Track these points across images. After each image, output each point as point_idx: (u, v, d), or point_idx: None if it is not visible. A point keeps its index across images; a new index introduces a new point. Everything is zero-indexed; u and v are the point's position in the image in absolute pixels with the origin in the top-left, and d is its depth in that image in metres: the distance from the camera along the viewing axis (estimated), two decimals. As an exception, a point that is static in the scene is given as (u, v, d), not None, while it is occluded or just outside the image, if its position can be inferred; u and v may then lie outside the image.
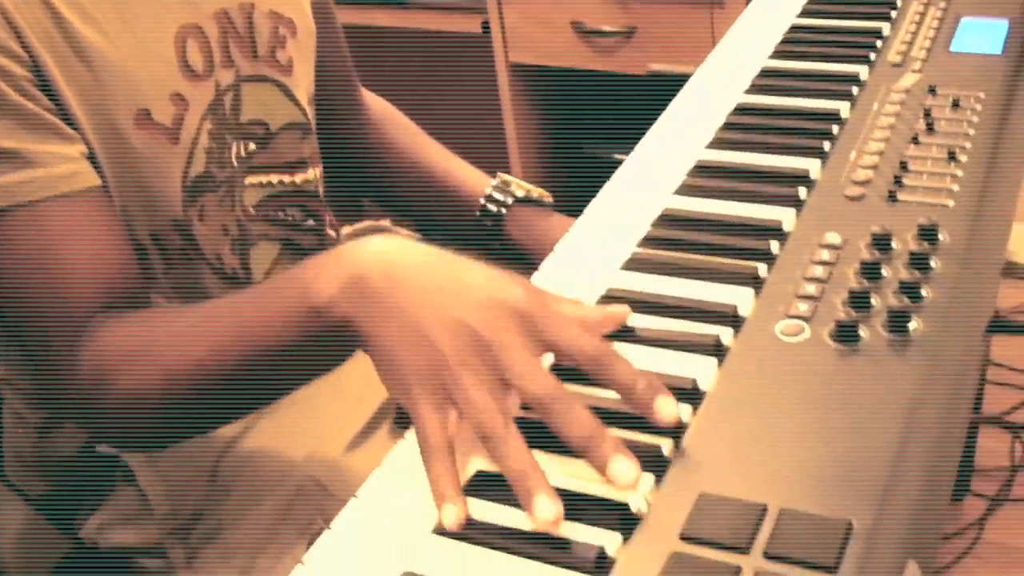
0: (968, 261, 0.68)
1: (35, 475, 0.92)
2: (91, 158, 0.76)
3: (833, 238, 0.71)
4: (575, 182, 1.08)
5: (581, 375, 0.59)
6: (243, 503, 0.84)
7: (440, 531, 0.54)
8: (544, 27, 1.79)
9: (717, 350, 0.63)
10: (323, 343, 0.64)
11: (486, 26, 1.86)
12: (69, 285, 0.72)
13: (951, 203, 0.74)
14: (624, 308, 0.65)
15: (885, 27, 1.03)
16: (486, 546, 0.52)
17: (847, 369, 0.60)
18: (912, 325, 0.62)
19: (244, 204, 0.89)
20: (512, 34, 1.83)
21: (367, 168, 1.11)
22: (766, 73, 0.99)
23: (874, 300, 0.64)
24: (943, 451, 0.57)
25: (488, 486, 0.56)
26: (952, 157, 0.79)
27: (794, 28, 1.07)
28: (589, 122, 2.02)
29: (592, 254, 0.75)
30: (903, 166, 0.79)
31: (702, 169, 0.84)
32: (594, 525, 0.52)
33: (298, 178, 0.94)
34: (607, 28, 1.74)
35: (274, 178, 0.92)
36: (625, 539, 0.51)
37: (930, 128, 0.84)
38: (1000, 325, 0.70)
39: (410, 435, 0.61)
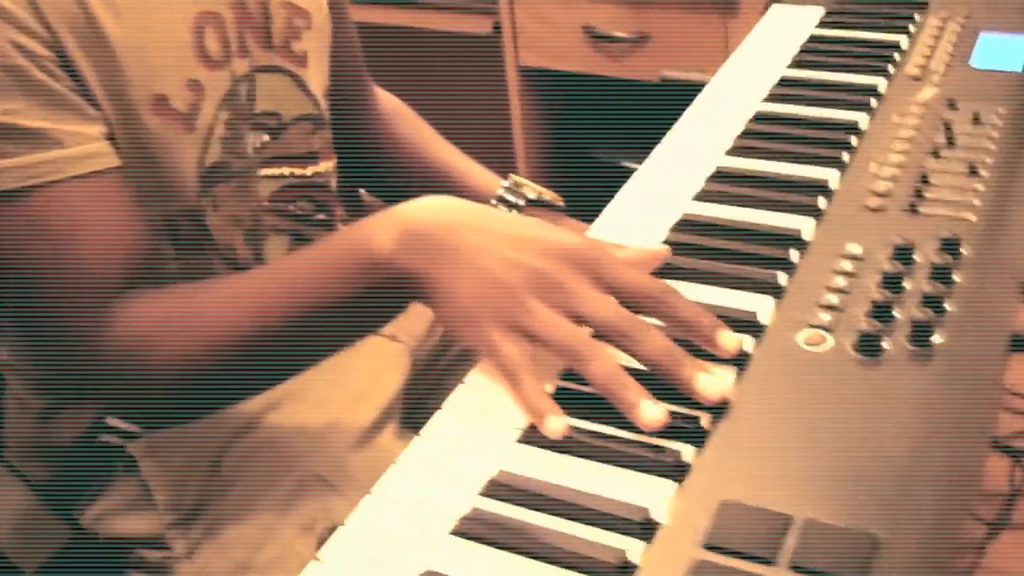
0: (990, 276, 0.68)
1: (36, 461, 0.91)
2: (110, 140, 0.75)
3: (854, 248, 0.71)
4: (582, 187, 1.08)
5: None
6: (245, 497, 0.83)
7: (458, 532, 0.53)
8: (555, 30, 1.78)
9: (738, 358, 0.62)
10: (380, 299, 0.66)
11: (497, 27, 1.85)
12: (91, 263, 0.72)
13: (973, 217, 0.74)
14: (665, 247, 0.67)
15: (903, 40, 1.03)
16: (506, 548, 0.52)
17: (870, 381, 0.59)
18: (935, 338, 0.61)
19: (259, 195, 0.88)
20: (522, 36, 1.83)
21: (377, 164, 1.10)
22: (784, 82, 0.99)
23: (896, 312, 0.64)
24: (965, 465, 0.56)
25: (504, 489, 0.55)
26: (973, 171, 0.79)
27: (812, 39, 1.07)
28: (597, 127, 2.01)
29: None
30: (924, 179, 0.78)
31: (721, 176, 0.84)
32: (615, 531, 0.52)
33: (309, 171, 0.94)
34: (619, 34, 1.73)
35: (285, 170, 0.92)
36: (647, 546, 0.51)
37: (950, 142, 0.83)
38: (1021, 343, 0.70)
39: (425, 432, 0.60)
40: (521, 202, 1.04)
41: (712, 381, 0.57)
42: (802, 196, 0.79)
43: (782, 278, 0.69)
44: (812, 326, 0.64)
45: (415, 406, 0.98)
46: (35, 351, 0.86)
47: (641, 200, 0.82)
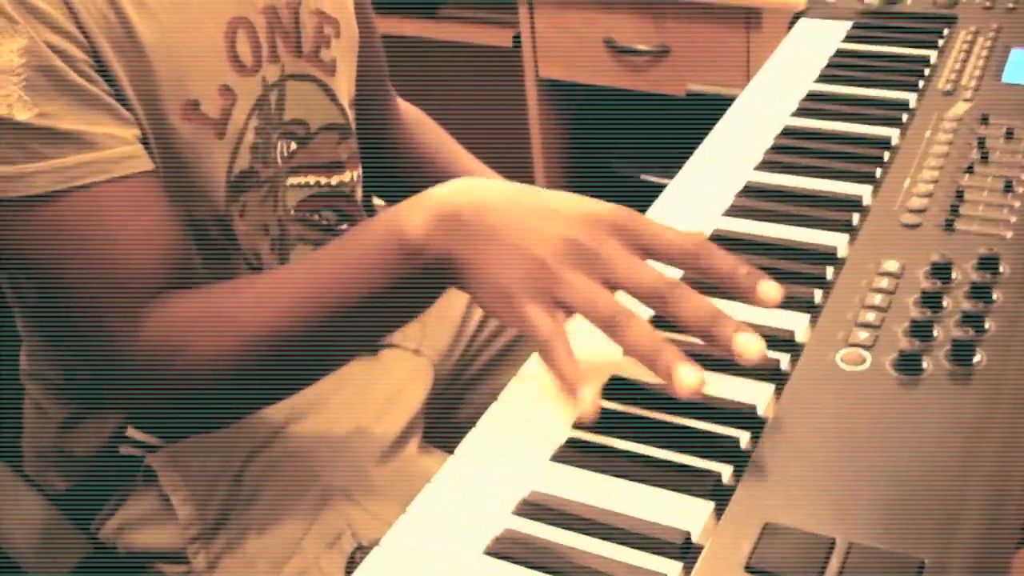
0: (1030, 294, 0.67)
1: (55, 472, 0.90)
2: (143, 144, 0.75)
3: (891, 266, 0.69)
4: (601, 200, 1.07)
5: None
6: (269, 510, 0.82)
7: (491, 552, 0.52)
8: (576, 43, 1.78)
9: (776, 376, 0.61)
10: (416, 286, 0.65)
11: (517, 40, 1.85)
12: (126, 267, 0.71)
13: (1009, 234, 0.72)
14: (700, 232, 0.66)
15: (932, 55, 1.02)
16: (540, 569, 0.51)
17: (910, 400, 0.58)
18: (976, 357, 0.60)
19: (287, 204, 0.88)
20: (543, 49, 1.82)
21: (399, 175, 1.10)
22: (813, 97, 0.98)
23: (936, 331, 0.63)
24: (1010, 487, 0.55)
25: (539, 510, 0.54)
26: (1008, 188, 0.78)
27: (840, 53, 1.06)
28: (616, 140, 2.00)
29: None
30: (959, 195, 0.77)
31: (751, 191, 0.83)
32: (654, 553, 0.50)
33: (334, 180, 0.93)
34: (640, 47, 1.73)
35: (311, 179, 0.91)
36: (687, 569, 0.49)
37: (984, 158, 0.82)
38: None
39: (459, 450, 0.59)
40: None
41: (752, 340, 0.56)
42: (835, 212, 0.78)
43: (818, 296, 0.68)
44: (851, 344, 0.63)
45: (438, 420, 0.97)
46: (64, 355, 0.85)
47: (670, 216, 0.81)
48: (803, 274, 0.70)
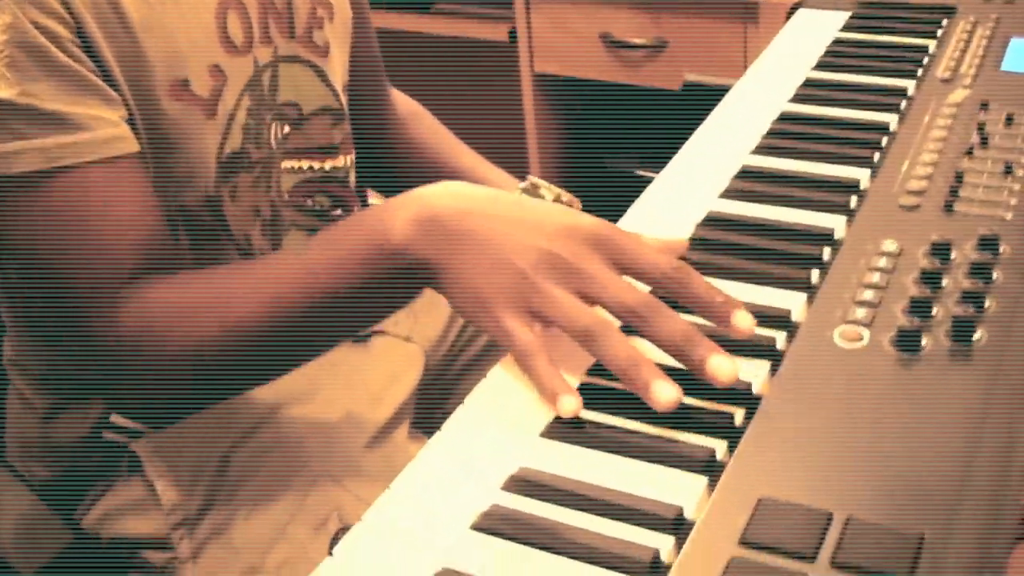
0: (1030, 275, 0.65)
1: (38, 462, 0.88)
2: (130, 124, 0.74)
3: (889, 246, 0.68)
4: (596, 195, 1.06)
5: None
6: (255, 497, 0.80)
7: (478, 528, 0.50)
8: (571, 37, 1.76)
9: (771, 354, 0.60)
10: (395, 286, 0.65)
11: (513, 34, 1.83)
12: (107, 249, 0.70)
13: (1009, 215, 0.71)
14: (683, 239, 0.66)
15: (931, 44, 1.01)
16: (528, 544, 0.49)
17: (909, 377, 0.57)
18: (976, 335, 0.59)
19: (280, 188, 0.86)
20: (538, 43, 1.81)
21: (394, 165, 1.08)
22: (810, 83, 0.97)
23: (935, 309, 0.61)
24: (1013, 463, 0.53)
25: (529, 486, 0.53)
26: (1008, 171, 0.77)
27: (837, 42, 1.05)
28: (613, 136, 1.99)
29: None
30: (958, 178, 0.76)
31: (748, 174, 0.82)
32: (646, 528, 0.49)
33: (328, 164, 0.92)
34: (637, 41, 1.72)
35: (305, 163, 0.90)
36: (679, 545, 0.48)
37: (984, 142, 0.81)
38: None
39: (445, 427, 0.58)
40: (539, 203, 1.02)
41: (725, 365, 0.55)
42: (833, 195, 0.76)
43: (815, 276, 0.67)
44: (848, 322, 0.61)
45: (428, 408, 0.95)
46: (45, 341, 0.84)
47: (666, 199, 0.80)
48: (799, 254, 0.69)
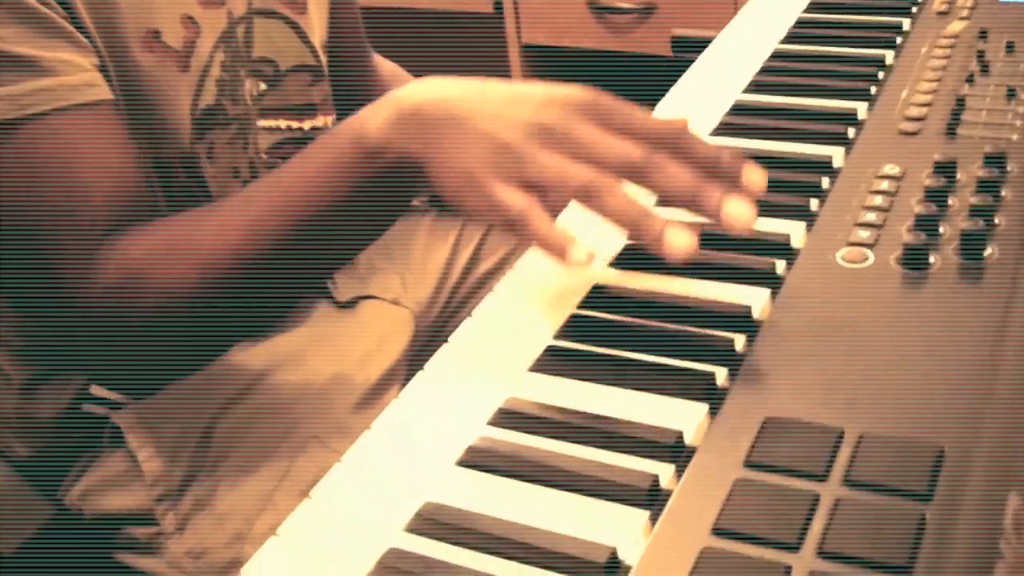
0: (1040, 192, 0.62)
1: (17, 438, 0.85)
2: (103, 74, 0.70)
3: (891, 169, 0.65)
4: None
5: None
6: (241, 464, 0.77)
7: (464, 463, 0.47)
8: (558, 5, 1.73)
9: (771, 279, 0.57)
10: (382, 188, 0.62)
11: (498, 5, 1.80)
12: (84, 200, 0.66)
13: (1015, 136, 0.68)
14: (683, 117, 0.60)
15: (925, -19, 0.98)
16: (518, 477, 0.46)
17: (919, 294, 0.53)
18: (987, 251, 0.56)
19: (257, 147, 0.83)
20: (525, 13, 1.77)
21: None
22: (802, 23, 0.94)
23: (942, 228, 0.58)
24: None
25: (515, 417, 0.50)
26: (1012, 95, 0.73)
27: (829, -17, 1.02)
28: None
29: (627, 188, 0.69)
30: (960, 103, 0.73)
31: (741, 109, 0.78)
32: (644, 456, 0.46)
33: (307, 125, 0.89)
34: (624, 4, 1.68)
35: (283, 123, 0.87)
36: (680, 471, 0.45)
37: (985, 70, 0.78)
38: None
39: (429, 366, 0.55)
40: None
41: (743, 208, 0.52)
42: (829, 126, 0.73)
43: (814, 204, 0.64)
44: (851, 244, 0.58)
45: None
46: (23, 304, 0.81)
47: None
48: (797, 183, 0.66)
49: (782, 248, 0.59)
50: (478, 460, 0.47)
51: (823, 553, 0.39)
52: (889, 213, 0.60)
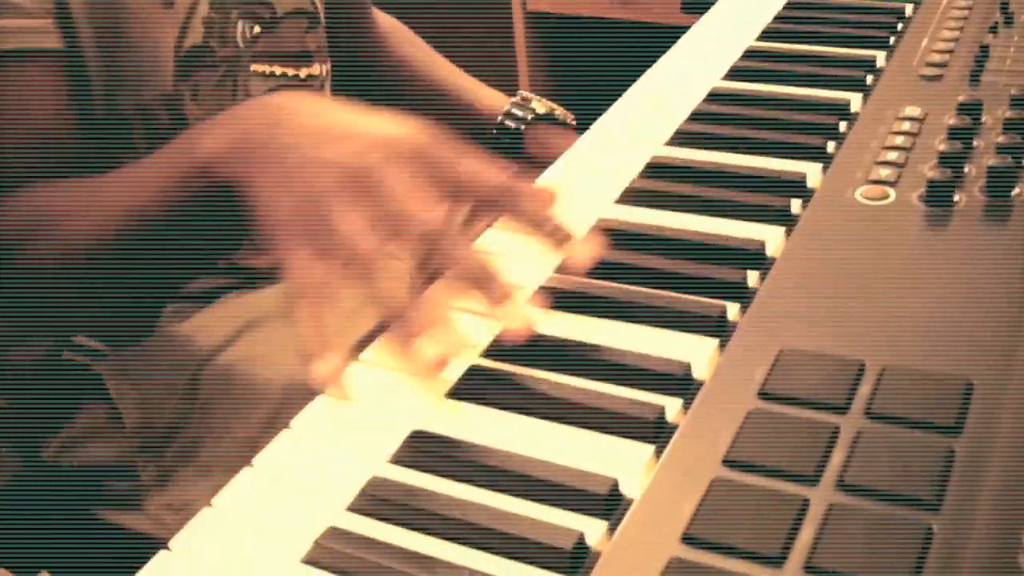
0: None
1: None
2: (67, 18, 0.67)
3: (912, 111, 0.62)
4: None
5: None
6: (225, 417, 0.74)
7: (454, 393, 0.44)
8: (564, -28, 1.69)
9: (785, 217, 0.53)
10: (209, 205, 0.58)
11: (503, -28, 1.77)
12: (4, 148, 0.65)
13: (1043, 83, 0.65)
14: (552, 190, 0.54)
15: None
16: (511, 409, 0.43)
17: (943, 231, 0.50)
18: (1015, 190, 0.53)
19: (248, 92, 0.80)
20: (530, -20, 1.74)
21: (372, 77, 1.02)
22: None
23: (967, 167, 0.55)
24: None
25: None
26: (1038, 43, 0.70)
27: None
28: (609, 75, 1.92)
29: (640, 129, 0.66)
30: (983, 50, 0.70)
31: (753, 54, 0.75)
32: (650, 389, 0.43)
33: (303, 72, 0.86)
34: (630, -28, 1.65)
35: (278, 69, 0.83)
36: (687, 404, 0.42)
37: (1009, 21, 0.75)
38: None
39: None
40: (528, 116, 0.96)
41: (522, 319, 0.47)
42: (846, 71, 0.70)
43: (831, 146, 0.61)
44: (871, 182, 0.55)
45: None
46: None
47: (668, 80, 0.73)
48: (813, 124, 0.63)
49: (797, 186, 0.56)
50: (470, 391, 0.44)
51: (844, 486, 0.36)
52: (911, 152, 0.57)
